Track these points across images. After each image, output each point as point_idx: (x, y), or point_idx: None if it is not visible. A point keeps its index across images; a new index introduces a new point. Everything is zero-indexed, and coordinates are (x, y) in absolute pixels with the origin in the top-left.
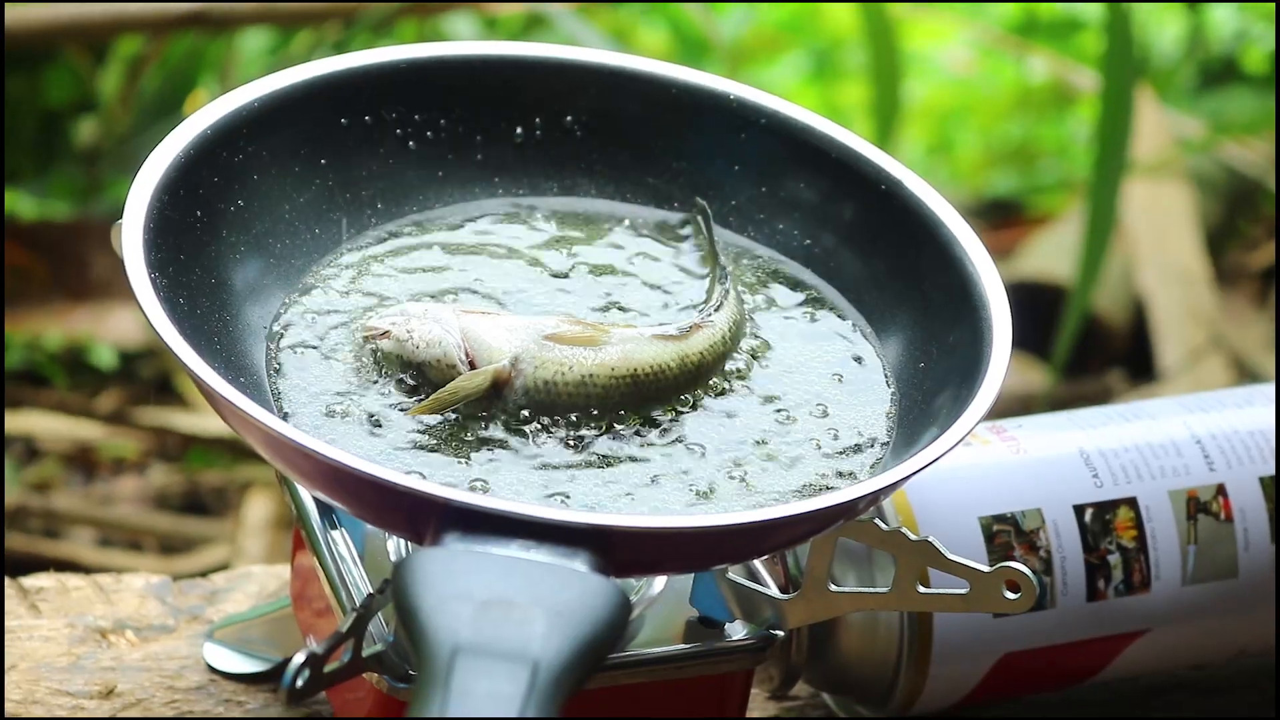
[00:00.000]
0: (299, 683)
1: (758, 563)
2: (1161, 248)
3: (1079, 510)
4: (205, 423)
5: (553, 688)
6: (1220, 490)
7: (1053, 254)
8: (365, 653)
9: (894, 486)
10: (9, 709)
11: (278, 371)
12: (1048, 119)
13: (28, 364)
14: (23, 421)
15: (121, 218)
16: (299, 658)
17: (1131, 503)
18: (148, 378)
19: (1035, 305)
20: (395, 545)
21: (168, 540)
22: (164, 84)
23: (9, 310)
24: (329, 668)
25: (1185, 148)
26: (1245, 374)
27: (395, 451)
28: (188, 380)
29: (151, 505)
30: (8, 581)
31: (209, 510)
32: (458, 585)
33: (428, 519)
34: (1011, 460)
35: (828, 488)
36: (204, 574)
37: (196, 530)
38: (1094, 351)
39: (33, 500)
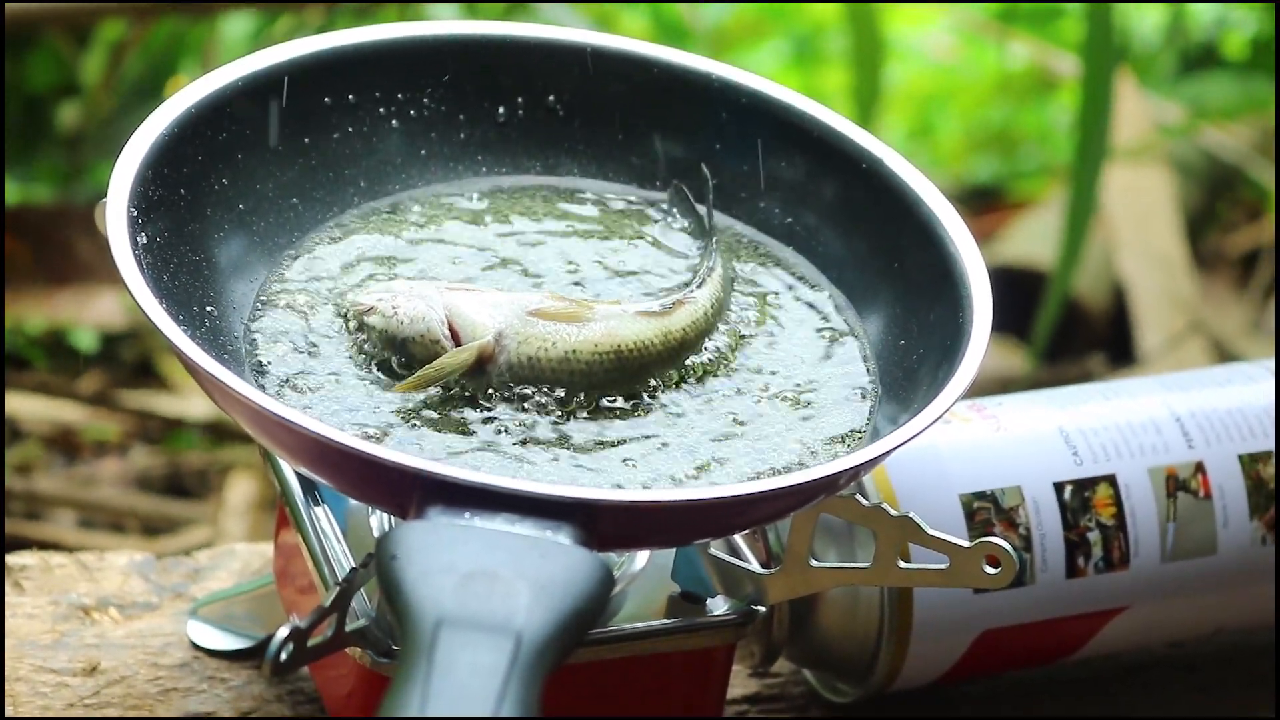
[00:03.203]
0: (283, 657)
1: (739, 539)
2: (1142, 233)
3: (1059, 488)
4: (187, 405)
5: (536, 660)
6: (1199, 468)
7: (1033, 239)
8: (348, 628)
9: (875, 461)
10: None
11: (261, 348)
12: (1028, 105)
13: (9, 347)
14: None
15: (105, 197)
16: (283, 632)
17: (1111, 480)
18: (128, 361)
19: (1016, 290)
20: (378, 521)
21: (150, 521)
22: (146, 68)
23: None
24: (312, 642)
25: (1165, 133)
26: (1225, 358)
27: (379, 426)
28: (169, 363)
29: (133, 487)
30: None
31: (190, 492)
32: (441, 558)
33: (411, 493)
34: (991, 438)
35: (810, 463)
36: (187, 553)
37: (178, 512)
38: (1074, 335)
39: (15, 482)
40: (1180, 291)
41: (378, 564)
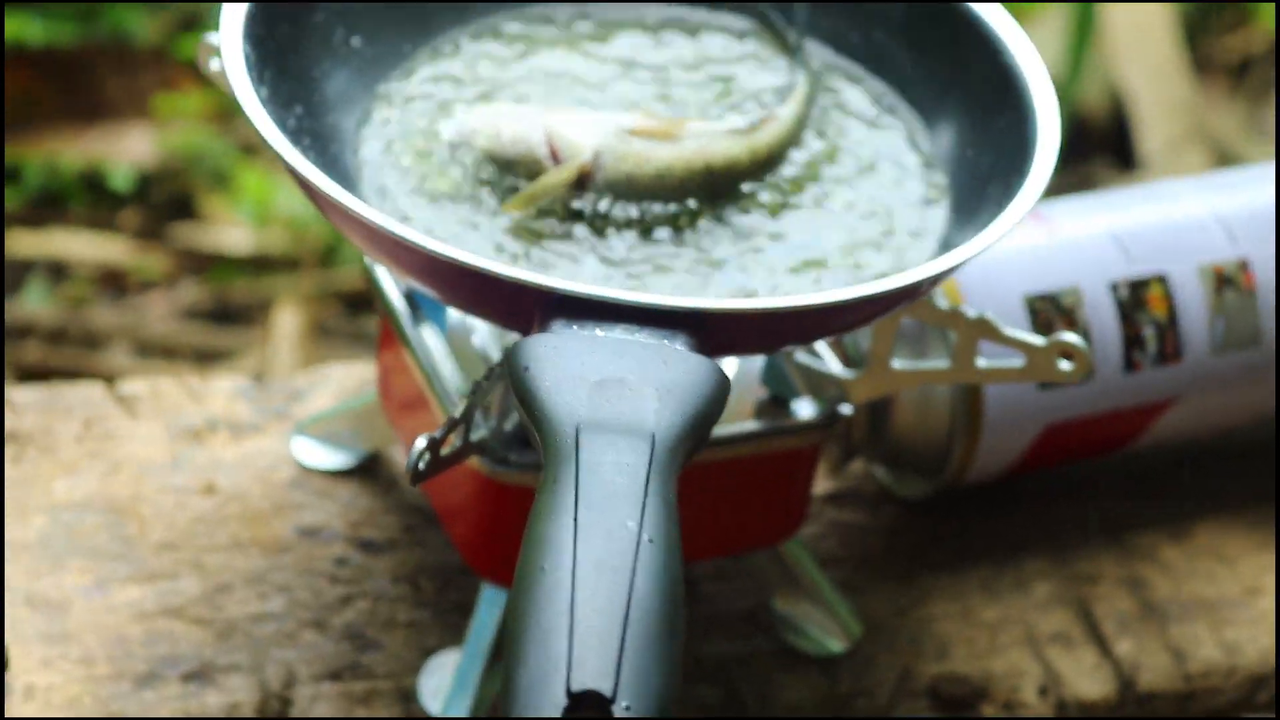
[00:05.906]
0: (421, 466)
1: (822, 345)
2: (1139, 39)
3: (1113, 287)
4: (230, 239)
5: (669, 459)
6: (1243, 264)
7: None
8: (473, 438)
9: (957, 268)
10: (121, 505)
11: (372, 174)
12: None
13: (48, 187)
14: (49, 243)
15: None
16: (420, 443)
17: (1162, 279)
18: (161, 200)
19: None
20: (480, 338)
21: (203, 351)
22: None
23: (22, 133)
24: (444, 451)
25: None
26: (1224, 160)
27: (493, 244)
28: (207, 199)
29: (183, 319)
30: (104, 388)
31: (238, 322)
32: (572, 366)
33: (533, 308)
34: (1048, 242)
35: (894, 269)
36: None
37: (228, 342)
38: (1076, 141)
39: (69, 316)
40: (1179, 96)
41: (511, 375)
